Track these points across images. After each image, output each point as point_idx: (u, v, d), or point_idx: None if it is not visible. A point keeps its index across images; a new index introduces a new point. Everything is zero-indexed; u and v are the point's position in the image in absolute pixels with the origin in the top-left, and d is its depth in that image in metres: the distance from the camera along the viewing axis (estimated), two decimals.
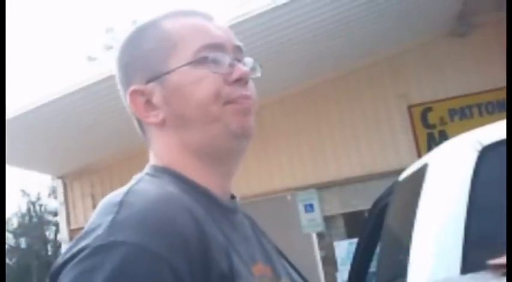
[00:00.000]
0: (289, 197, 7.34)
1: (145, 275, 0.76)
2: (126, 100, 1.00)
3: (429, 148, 6.10)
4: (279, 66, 6.07)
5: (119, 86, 1.02)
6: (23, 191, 33.35)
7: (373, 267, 3.02)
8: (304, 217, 7.28)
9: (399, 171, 2.56)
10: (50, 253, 32.83)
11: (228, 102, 0.94)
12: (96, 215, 0.85)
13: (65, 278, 0.78)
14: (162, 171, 0.95)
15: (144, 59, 0.97)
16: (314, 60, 6.67)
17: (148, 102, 0.97)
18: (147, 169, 0.97)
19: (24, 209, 34.30)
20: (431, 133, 7.14)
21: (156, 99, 0.96)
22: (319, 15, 5.66)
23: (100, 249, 0.77)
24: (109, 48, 17.59)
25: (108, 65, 4.99)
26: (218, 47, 0.96)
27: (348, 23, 6.12)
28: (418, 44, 7.20)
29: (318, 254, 7.25)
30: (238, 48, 1.00)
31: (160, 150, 0.98)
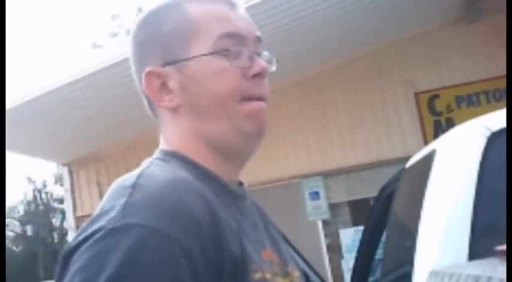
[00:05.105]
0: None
1: (160, 257, 0.76)
2: (139, 79, 0.99)
3: (436, 135, 6.07)
4: (284, 53, 6.04)
5: (132, 64, 1.00)
6: (29, 179, 33.51)
7: (379, 255, 3.02)
8: (310, 204, 7.28)
9: (405, 159, 2.54)
10: (56, 240, 33.07)
11: (245, 98, 0.94)
12: (108, 198, 0.85)
13: (79, 259, 0.77)
14: (172, 156, 0.95)
15: (163, 40, 0.96)
16: (320, 47, 6.64)
17: (164, 86, 0.96)
18: (157, 154, 0.97)
19: (30, 197, 34.50)
20: (438, 120, 7.12)
21: (172, 83, 0.95)
22: (325, 2, 5.63)
23: (114, 232, 0.77)
24: (114, 35, 17.56)
25: (114, 52, 4.97)
26: (238, 37, 0.95)
27: (354, 9, 6.08)
28: (426, 30, 7.15)
29: (323, 242, 7.26)
30: (258, 39, 0.99)
31: (172, 135, 0.97)
